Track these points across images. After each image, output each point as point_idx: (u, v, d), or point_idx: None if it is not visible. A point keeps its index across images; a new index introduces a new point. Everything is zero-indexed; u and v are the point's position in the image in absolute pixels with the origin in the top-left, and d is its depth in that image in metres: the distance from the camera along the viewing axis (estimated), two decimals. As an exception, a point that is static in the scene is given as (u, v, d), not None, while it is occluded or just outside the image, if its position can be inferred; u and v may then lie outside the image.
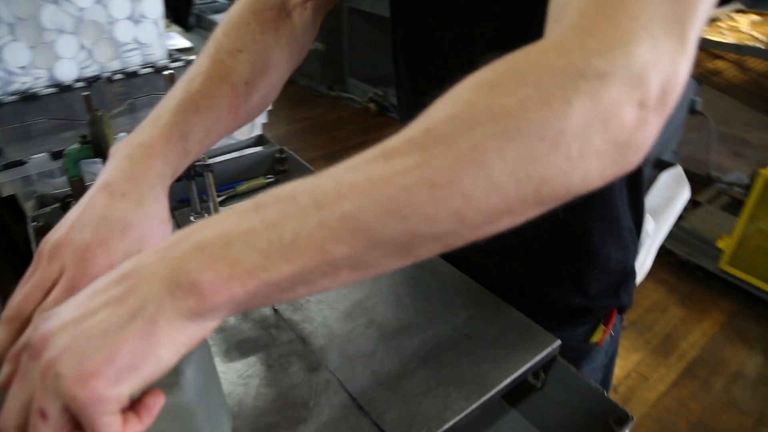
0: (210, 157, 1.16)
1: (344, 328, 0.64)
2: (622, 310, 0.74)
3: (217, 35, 0.57)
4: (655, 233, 0.79)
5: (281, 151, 1.18)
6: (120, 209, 0.42)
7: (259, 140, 1.24)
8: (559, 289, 0.70)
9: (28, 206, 1.06)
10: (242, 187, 1.11)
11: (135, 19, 1.52)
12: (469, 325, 0.64)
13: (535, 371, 0.64)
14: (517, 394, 0.64)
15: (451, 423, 0.52)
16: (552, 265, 0.70)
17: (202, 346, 0.42)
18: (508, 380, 0.57)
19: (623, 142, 0.30)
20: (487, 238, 0.32)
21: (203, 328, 0.31)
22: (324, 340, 0.63)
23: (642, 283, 0.85)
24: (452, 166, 0.29)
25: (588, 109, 0.29)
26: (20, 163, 1.06)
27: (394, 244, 0.30)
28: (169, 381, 0.37)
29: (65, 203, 0.93)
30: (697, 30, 0.33)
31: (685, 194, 0.81)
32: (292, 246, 0.29)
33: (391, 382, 0.57)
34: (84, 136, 0.85)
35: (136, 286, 0.30)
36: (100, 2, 1.44)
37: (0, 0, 1.31)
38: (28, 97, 1.39)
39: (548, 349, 0.60)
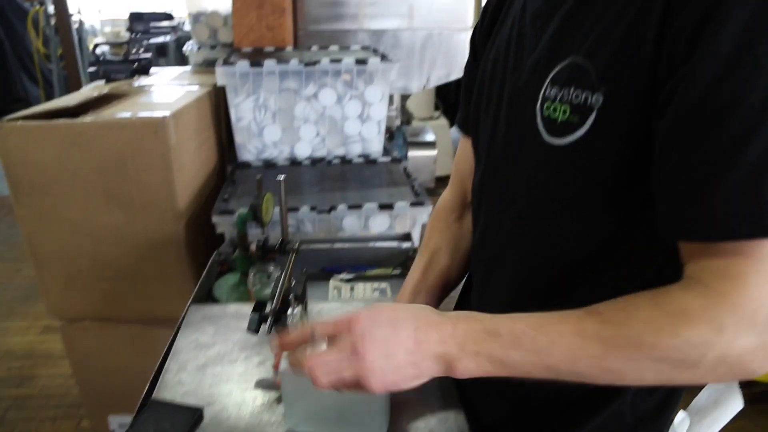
0: (356, 241, 1.39)
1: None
2: None
3: (427, 237, 0.92)
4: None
5: (415, 251, 1.35)
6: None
7: (405, 236, 1.44)
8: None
9: (225, 243, 1.43)
10: (371, 273, 1.32)
11: (363, 118, 1.89)
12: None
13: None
14: None
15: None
16: None
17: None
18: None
19: (743, 373, 0.50)
20: None
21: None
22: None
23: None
24: (621, 366, 0.52)
25: (720, 359, 0.48)
26: (231, 213, 1.45)
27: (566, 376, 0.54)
28: None
29: (235, 249, 1.25)
30: None
31: (736, 404, 0.73)
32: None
33: None
34: (252, 206, 1.16)
35: (421, 361, 0.56)
36: (339, 103, 1.85)
37: (271, 94, 1.79)
38: (270, 165, 1.84)
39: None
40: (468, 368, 0.55)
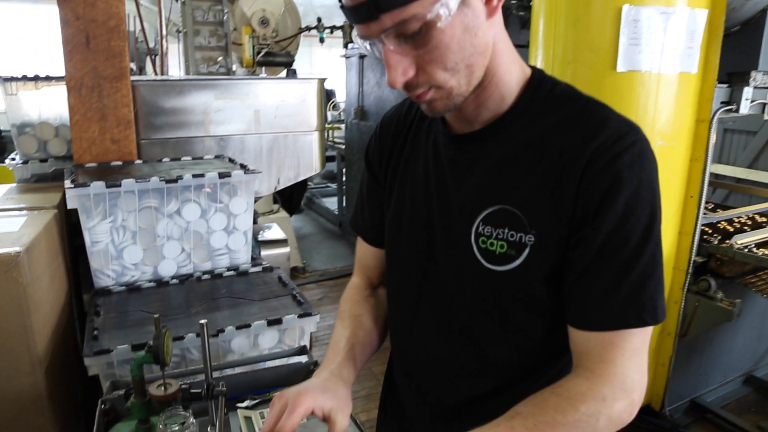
0: (254, 362, 1.36)
1: None
2: None
3: (344, 308, 1.01)
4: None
5: (315, 364, 1.35)
6: (324, 383, 0.82)
7: (301, 350, 1.43)
8: None
9: (106, 387, 1.29)
10: (276, 393, 1.28)
11: (229, 230, 1.87)
12: None
13: None
14: None
15: None
16: None
17: None
18: None
19: (622, 425, 0.71)
20: None
21: None
22: None
23: None
24: None
25: (608, 420, 0.70)
26: (107, 352, 1.32)
27: None
28: None
29: (128, 395, 1.14)
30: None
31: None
32: None
33: None
34: (150, 346, 1.09)
35: None
36: (204, 217, 1.81)
37: (130, 213, 1.70)
38: (133, 289, 1.72)
39: None
40: None
